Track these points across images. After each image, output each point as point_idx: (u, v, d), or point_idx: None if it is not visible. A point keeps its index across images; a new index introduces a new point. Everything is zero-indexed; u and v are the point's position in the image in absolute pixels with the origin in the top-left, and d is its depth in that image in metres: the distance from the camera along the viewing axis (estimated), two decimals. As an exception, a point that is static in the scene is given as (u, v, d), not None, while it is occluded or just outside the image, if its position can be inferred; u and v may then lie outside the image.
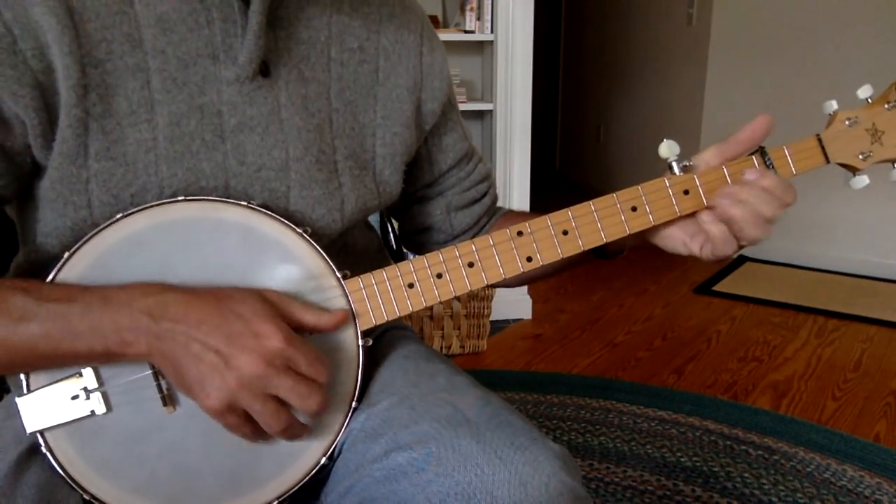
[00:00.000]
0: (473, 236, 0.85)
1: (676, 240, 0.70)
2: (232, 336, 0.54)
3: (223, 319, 0.55)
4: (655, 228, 0.70)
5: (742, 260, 3.23)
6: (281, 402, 0.56)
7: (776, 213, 0.65)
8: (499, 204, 0.89)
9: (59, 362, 0.57)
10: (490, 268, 0.67)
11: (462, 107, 2.40)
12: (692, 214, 0.69)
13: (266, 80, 0.64)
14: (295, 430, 0.58)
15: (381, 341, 0.75)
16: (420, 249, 0.88)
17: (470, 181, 0.84)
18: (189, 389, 0.55)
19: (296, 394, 0.55)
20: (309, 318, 0.60)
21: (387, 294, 0.65)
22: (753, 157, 0.70)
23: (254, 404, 0.55)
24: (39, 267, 0.63)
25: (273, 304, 0.58)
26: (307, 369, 0.56)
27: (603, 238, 0.68)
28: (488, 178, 0.86)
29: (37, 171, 0.61)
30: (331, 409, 0.63)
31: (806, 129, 0.72)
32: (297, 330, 0.58)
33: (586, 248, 0.68)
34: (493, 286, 0.74)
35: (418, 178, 0.81)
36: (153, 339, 0.54)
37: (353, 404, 0.63)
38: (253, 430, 0.57)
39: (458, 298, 2.14)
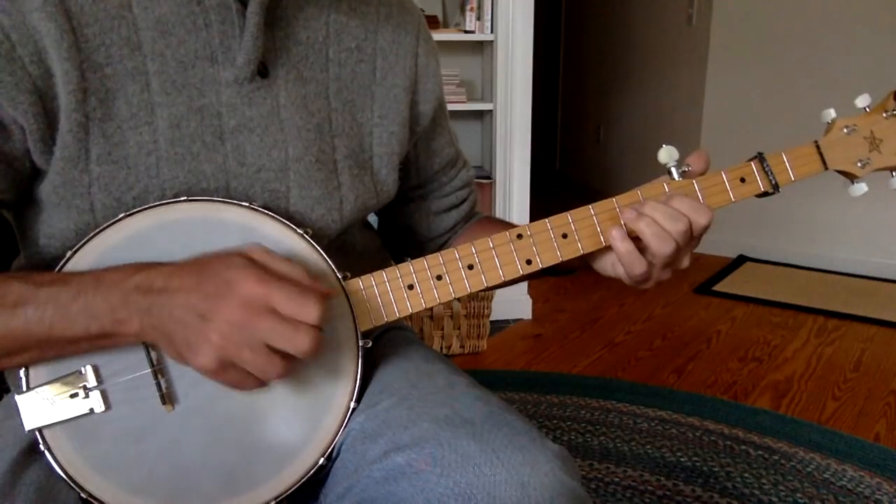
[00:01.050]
0: (448, 240, 0.86)
1: (607, 262, 0.70)
2: (208, 292, 0.53)
3: (200, 280, 0.54)
4: (594, 256, 0.71)
5: (742, 260, 3.23)
6: (271, 349, 0.53)
7: (681, 230, 0.64)
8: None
9: (57, 348, 0.56)
10: (489, 270, 0.67)
11: (462, 107, 2.44)
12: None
13: (265, 80, 0.64)
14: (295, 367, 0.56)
15: (381, 341, 0.75)
16: (397, 247, 0.89)
17: (451, 187, 0.84)
18: (181, 356, 0.55)
19: (281, 336, 0.52)
20: (283, 267, 0.56)
21: (386, 295, 0.65)
22: (752, 162, 0.70)
23: (242, 355, 0.52)
24: (42, 269, 0.63)
25: (249, 254, 0.55)
26: (291, 309, 0.52)
27: (602, 241, 0.68)
28: (470, 184, 0.87)
29: (36, 175, 0.61)
30: (330, 408, 0.63)
31: (805, 128, 0.72)
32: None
33: (585, 251, 0.68)
34: (491, 288, 0.75)
35: (404, 180, 0.81)
36: (143, 315, 0.54)
37: (352, 405, 0.63)
38: (257, 381, 0.55)
39: (457, 299, 2.14)
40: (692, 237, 0.66)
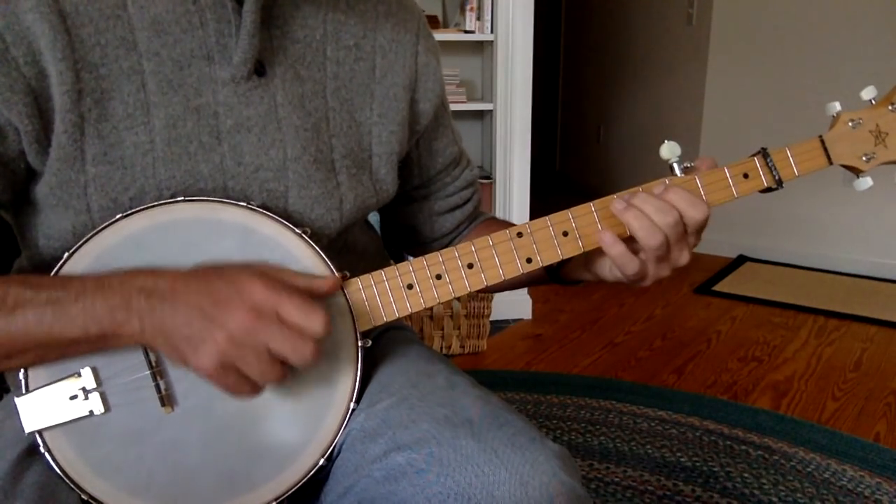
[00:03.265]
0: (452, 241, 0.86)
1: (605, 266, 0.70)
2: (217, 297, 0.54)
3: (208, 285, 0.55)
4: (594, 261, 0.70)
5: (742, 260, 3.23)
6: (273, 355, 0.55)
7: (669, 222, 0.63)
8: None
9: (57, 350, 0.56)
10: (489, 269, 0.67)
11: (462, 107, 2.44)
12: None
13: (262, 79, 0.64)
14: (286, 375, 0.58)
15: (381, 341, 0.75)
16: (401, 247, 0.89)
17: (455, 187, 0.84)
18: (182, 357, 0.55)
19: (288, 344, 0.54)
20: (301, 281, 0.59)
21: (386, 295, 0.65)
22: (755, 158, 0.70)
23: (246, 359, 0.54)
24: (42, 269, 0.62)
25: (260, 267, 0.57)
26: (298, 319, 0.55)
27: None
28: (473, 184, 0.87)
29: (32, 176, 0.61)
30: (329, 409, 0.63)
31: (806, 127, 0.72)
32: None
33: (586, 249, 0.68)
34: (491, 290, 0.75)
35: (406, 180, 0.81)
36: (145, 316, 0.54)
37: (352, 405, 0.63)
38: (252, 388, 0.57)
39: (457, 298, 2.14)
40: (685, 231, 0.65)
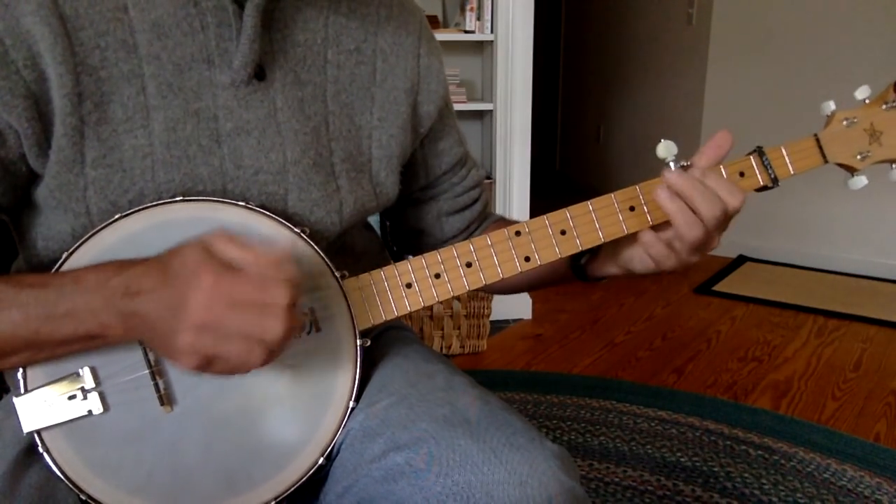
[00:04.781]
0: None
1: (634, 259, 0.69)
2: (176, 293, 0.52)
3: (166, 280, 0.52)
4: (621, 254, 0.70)
5: (742, 260, 3.23)
6: (248, 338, 0.52)
7: (715, 214, 0.63)
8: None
9: (48, 350, 0.56)
10: (488, 267, 0.67)
11: (462, 107, 2.44)
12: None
13: (261, 83, 0.64)
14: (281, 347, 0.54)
15: (380, 341, 0.75)
16: (411, 251, 0.88)
17: (462, 187, 0.84)
18: (168, 357, 0.54)
19: (249, 325, 0.51)
20: (238, 253, 0.53)
21: (385, 294, 0.65)
22: (751, 156, 0.70)
23: (219, 350, 0.51)
24: (40, 271, 0.62)
25: (209, 245, 0.53)
26: (256, 295, 0.51)
27: (601, 238, 0.68)
28: (480, 184, 0.86)
29: (33, 179, 0.61)
30: (329, 408, 0.63)
31: (806, 128, 0.72)
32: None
33: (584, 247, 0.68)
34: (491, 291, 0.75)
35: (412, 182, 0.81)
36: (126, 318, 0.53)
37: (351, 404, 0.63)
38: (244, 369, 0.54)
39: (457, 298, 2.14)
40: (726, 221, 0.65)
